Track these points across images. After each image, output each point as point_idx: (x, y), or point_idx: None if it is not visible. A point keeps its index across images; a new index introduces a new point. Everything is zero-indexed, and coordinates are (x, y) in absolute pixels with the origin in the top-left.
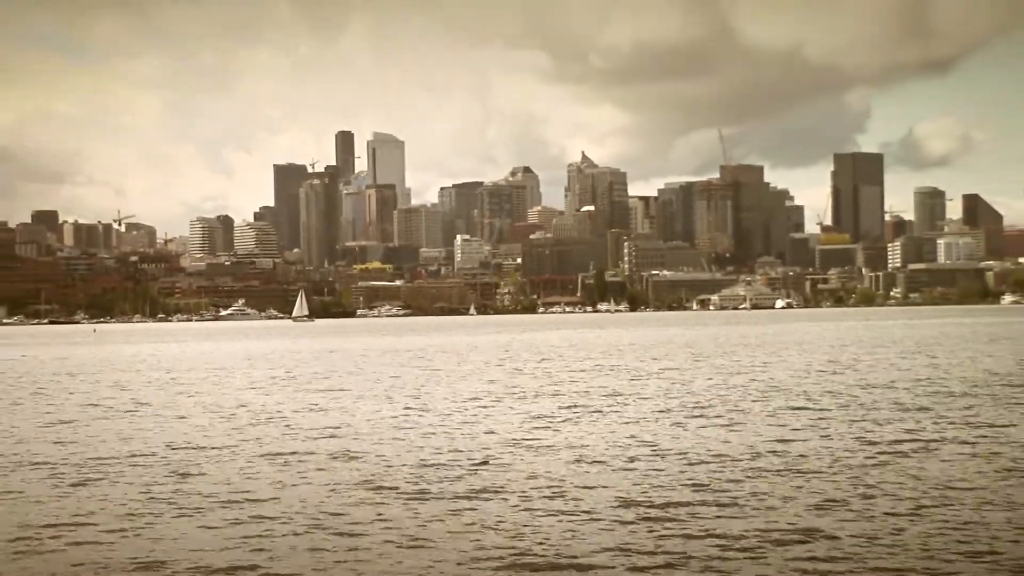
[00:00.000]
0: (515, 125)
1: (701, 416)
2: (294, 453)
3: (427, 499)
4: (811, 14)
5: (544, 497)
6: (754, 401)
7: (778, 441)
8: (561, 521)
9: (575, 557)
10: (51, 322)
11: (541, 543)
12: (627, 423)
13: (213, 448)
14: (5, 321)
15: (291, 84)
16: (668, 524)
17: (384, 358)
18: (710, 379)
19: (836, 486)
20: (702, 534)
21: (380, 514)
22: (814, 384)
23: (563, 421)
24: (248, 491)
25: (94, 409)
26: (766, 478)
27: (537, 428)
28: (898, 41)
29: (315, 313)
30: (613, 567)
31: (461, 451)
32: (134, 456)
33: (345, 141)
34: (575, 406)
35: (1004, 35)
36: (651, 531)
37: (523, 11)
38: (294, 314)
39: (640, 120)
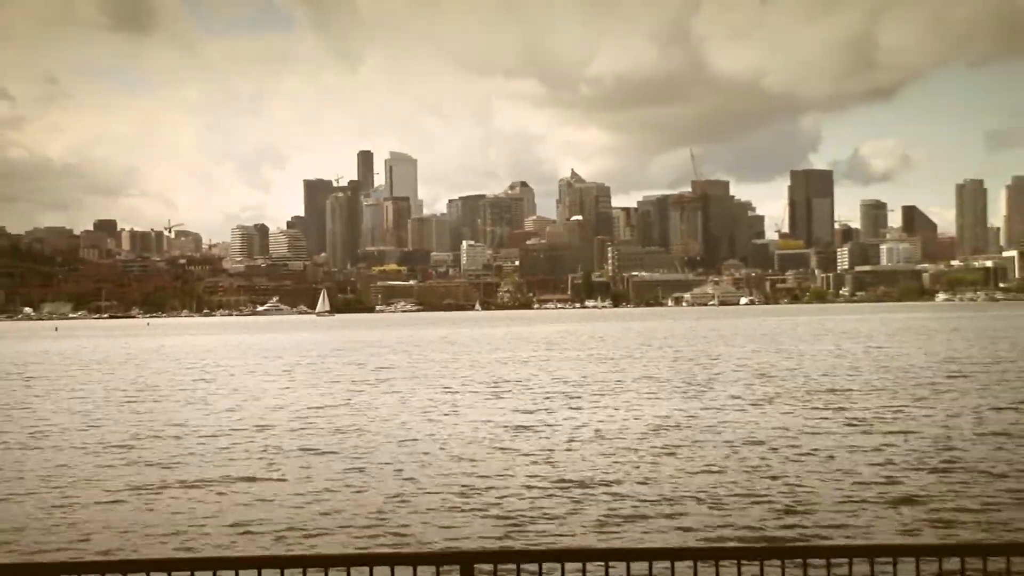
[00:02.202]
0: (513, 145)
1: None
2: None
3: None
4: (770, 49)
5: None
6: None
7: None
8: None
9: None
10: (110, 316)
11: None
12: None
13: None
14: (71, 316)
15: (317, 109)
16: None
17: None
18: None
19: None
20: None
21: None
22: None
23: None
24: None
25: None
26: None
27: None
28: (846, 72)
29: (339, 309)
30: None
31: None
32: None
33: (365, 159)
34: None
35: (939, 67)
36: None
37: (521, 46)
38: (317, 310)
39: (622, 141)
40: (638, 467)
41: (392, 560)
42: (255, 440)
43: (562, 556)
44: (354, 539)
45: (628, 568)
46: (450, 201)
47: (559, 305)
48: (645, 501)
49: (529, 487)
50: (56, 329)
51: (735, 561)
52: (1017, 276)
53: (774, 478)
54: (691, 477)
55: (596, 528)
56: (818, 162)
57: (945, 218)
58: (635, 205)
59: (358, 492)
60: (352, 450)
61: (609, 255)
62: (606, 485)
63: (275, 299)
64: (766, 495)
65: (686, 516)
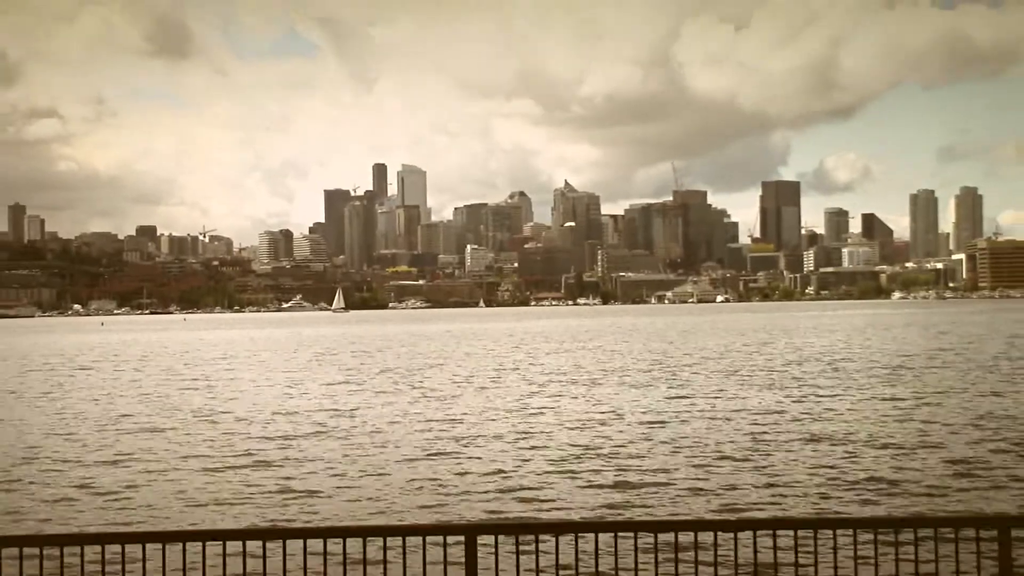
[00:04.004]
0: (512, 159)
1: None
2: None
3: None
4: (743, 72)
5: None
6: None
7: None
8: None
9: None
10: (151, 312)
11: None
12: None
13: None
14: (115, 312)
15: (337, 126)
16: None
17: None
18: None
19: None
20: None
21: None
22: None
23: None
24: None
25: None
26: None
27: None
28: (811, 93)
29: (356, 306)
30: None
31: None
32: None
33: (380, 171)
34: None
35: (894, 89)
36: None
37: (518, 70)
38: (333, 307)
39: (610, 155)
40: (626, 447)
41: (404, 531)
42: (284, 422)
43: (556, 528)
44: (369, 512)
45: (616, 538)
46: (456, 209)
47: (554, 303)
48: (632, 478)
49: (526, 467)
50: (102, 324)
51: (712, 532)
52: (964, 276)
53: (753, 455)
54: (672, 456)
55: (589, 502)
56: (786, 174)
57: (900, 224)
58: (622, 212)
59: (372, 470)
60: (365, 435)
61: (599, 257)
62: (598, 462)
63: (298, 297)
64: (745, 472)
65: (668, 492)
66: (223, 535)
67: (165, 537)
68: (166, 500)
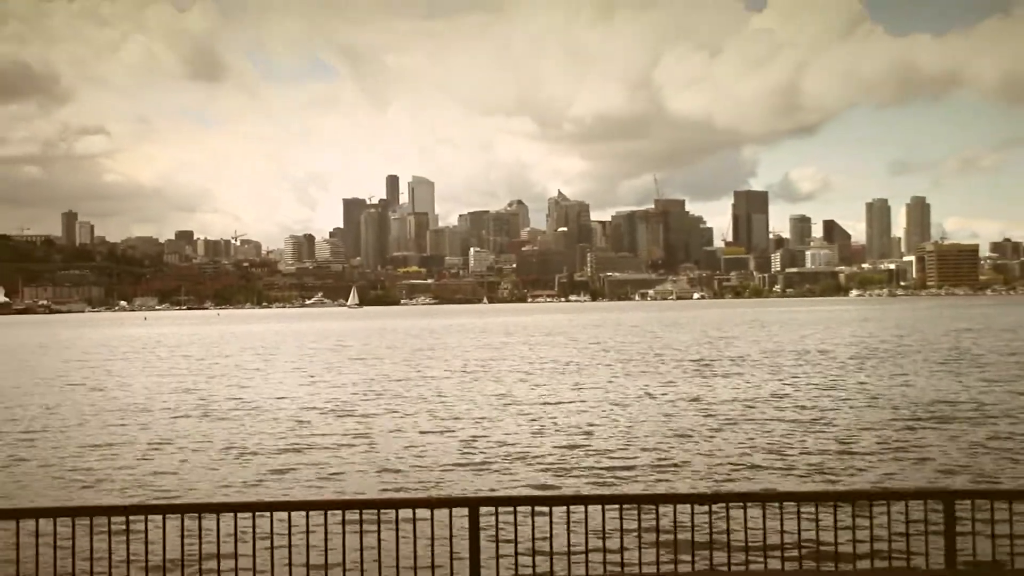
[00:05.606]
0: (511, 171)
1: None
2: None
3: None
4: (717, 94)
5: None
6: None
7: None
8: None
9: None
10: (188, 308)
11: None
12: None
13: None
14: (156, 307)
15: (354, 141)
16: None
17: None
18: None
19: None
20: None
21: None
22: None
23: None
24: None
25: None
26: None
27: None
28: (778, 113)
29: (370, 302)
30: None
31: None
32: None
33: (392, 182)
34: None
35: (852, 109)
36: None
37: (517, 92)
38: (348, 303)
39: (598, 167)
40: (615, 429)
41: (413, 504)
42: (300, 406)
43: (551, 501)
44: (381, 487)
45: (603, 510)
46: (460, 216)
47: (548, 299)
48: (620, 456)
49: (524, 446)
50: (145, 318)
51: (689, 505)
52: (914, 276)
53: (723, 436)
54: (655, 437)
55: (581, 479)
56: (756, 185)
57: (857, 229)
58: (609, 219)
59: (383, 450)
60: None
61: (588, 259)
62: (589, 441)
63: (319, 295)
64: (722, 450)
65: (648, 469)
66: (251, 507)
67: (185, 509)
68: (195, 476)
